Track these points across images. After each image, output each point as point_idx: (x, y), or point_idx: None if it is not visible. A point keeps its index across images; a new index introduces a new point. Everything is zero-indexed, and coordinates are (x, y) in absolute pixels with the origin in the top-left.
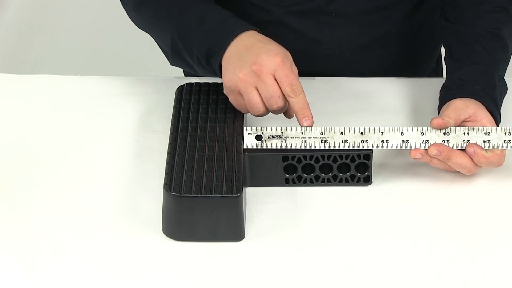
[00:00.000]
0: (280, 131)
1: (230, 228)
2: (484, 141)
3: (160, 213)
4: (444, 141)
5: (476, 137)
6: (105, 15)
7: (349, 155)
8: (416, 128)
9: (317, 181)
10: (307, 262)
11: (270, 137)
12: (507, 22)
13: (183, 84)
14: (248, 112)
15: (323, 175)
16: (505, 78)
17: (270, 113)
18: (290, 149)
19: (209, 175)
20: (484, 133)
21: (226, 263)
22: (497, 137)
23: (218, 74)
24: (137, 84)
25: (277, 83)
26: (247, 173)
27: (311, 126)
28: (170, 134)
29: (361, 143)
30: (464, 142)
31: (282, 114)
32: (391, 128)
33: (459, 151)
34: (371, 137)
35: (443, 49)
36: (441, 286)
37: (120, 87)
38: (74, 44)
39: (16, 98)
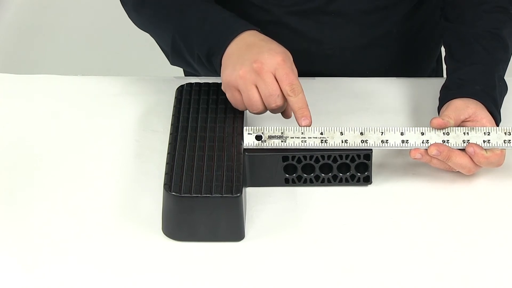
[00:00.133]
0: (280, 131)
1: (230, 228)
2: (484, 141)
3: (160, 213)
4: (444, 141)
5: (476, 137)
6: (105, 15)
7: (349, 155)
8: (416, 128)
9: (317, 181)
10: (307, 262)
11: (270, 137)
12: (507, 22)
13: (183, 84)
14: (245, 109)
15: (323, 175)
16: (505, 78)
17: (270, 113)
18: (290, 149)
19: (209, 175)
20: (484, 133)
21: (226, 263)
22: (497, 137)
23: (219, 72)
24: (137, 84)
25: (277, 82)
26: (247, 173)
27: (309, 126)
28: (170, 134)
29: (361, 143)
30: (464, 142)
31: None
32: (391, 128)
33: (459, 151)
34: (371, 137)
35: (443, 49)
36: (441, 286)
37: (120, 87)
38: (74, 44)
39: (16, 98)
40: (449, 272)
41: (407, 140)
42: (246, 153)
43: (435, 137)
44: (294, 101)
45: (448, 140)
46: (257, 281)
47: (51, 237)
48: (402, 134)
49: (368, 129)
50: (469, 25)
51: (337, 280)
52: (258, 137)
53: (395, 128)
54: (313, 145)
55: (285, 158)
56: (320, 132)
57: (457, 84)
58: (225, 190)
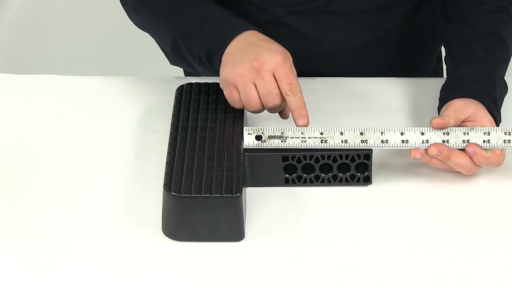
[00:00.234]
0: (280, 131)
1: (230, 228)
2: (484, 141)
3: (160, 213)
4: (444, 141)
5: (476, 137)
6: (105, 15)
7: (349, 155)
8: (416, 128)
9: (317, 181)
10: (307, 262)
11: (270, 137)
12: (507, 22)
13: (183, 84)
14: (241, 107)
15: (323, 175)
16: (505, 78)
17: (270, 113)
18: (290, 149)
19: (209, 175)
20: (484, 133)
21: (226, 263)
22: (497, 137)
23: (219, 71)
24: (137, 84)
25: (276, 81)
26: (247, 173)
27: (306, 126)
28: (170, 134)
29: (361, 143)
30: (464, 142)
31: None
32: (391, 128)
33: (459, 151)
34: (371, 137)
35: (443, 49)
36: (441, 286)
37: (120, 87)
38: (74, 44)
39: (16, 98)
40: (449, 272)
41: (407, 140)
42: (246, 153)
43: (435, 137)
44: (292, 101)
45: (448, 140)
46: (257, 281)
47: (51, 237)
48: (402, 134)
49: (368, 129)
50: (469, 25)
51: (337, 280)
52: (258, 137)
53: (395, 128)
54: (313, 145)
55: (285, 158)
56: (320, 132)
57: (457, 84)
58: (225, 190)
